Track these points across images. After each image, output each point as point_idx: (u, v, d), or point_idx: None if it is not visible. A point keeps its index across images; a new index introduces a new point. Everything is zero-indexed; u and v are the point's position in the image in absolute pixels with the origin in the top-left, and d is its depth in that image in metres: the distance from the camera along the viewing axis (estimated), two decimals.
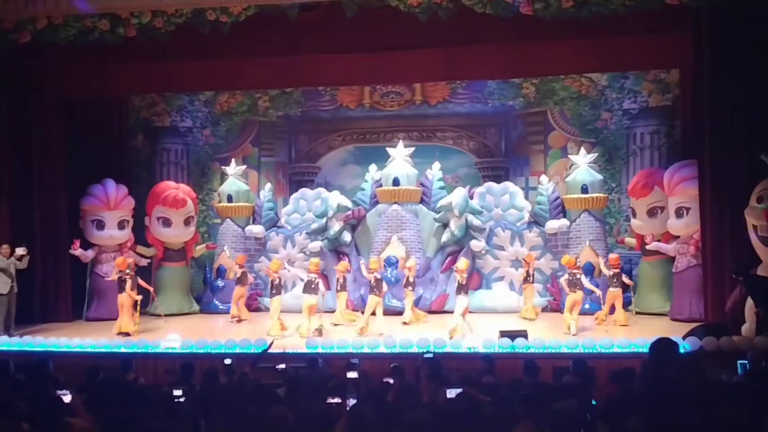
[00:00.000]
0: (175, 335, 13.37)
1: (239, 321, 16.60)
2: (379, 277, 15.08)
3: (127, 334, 14.63)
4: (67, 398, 7.63)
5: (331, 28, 14.79)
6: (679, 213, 15.74)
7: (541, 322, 15.53)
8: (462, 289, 14.24)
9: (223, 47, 14.98)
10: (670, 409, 6.40)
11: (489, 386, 8.35)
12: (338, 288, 15.78)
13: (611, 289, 15.01)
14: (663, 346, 7.81)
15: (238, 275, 16.76)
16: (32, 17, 14.48)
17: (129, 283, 15.05)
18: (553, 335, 13.52)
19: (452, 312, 14.89)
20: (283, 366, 10.43)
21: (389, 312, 15.94)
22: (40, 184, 16.56)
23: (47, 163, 16.59)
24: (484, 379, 9.04)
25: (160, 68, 16.27)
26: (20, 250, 14.90)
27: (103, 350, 13.15)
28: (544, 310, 16.81)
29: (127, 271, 15.15)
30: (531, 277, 15.91)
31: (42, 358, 10.99)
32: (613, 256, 15.61)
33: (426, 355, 10.39)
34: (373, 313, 14.66)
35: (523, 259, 16.31)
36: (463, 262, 14.83)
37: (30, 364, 10.49)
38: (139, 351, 12.92)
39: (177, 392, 8.00)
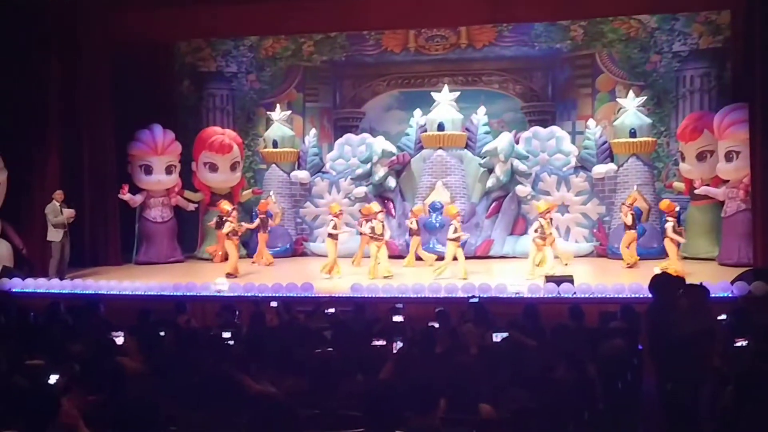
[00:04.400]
0: (223, 279, 13.53)
1: (268, 264, 16.75)
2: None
3: (233, 276, 14.80)
4: (119, 340, 7.77)
5: None
6: (728, 157, 15.50)
7: (588, 266, 15.47)
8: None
9: None
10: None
11: (534, 330, 8.36)
12: (410, 233, 16.07)
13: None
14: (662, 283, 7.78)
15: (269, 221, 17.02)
16: None
17: (230, 227, 15.33)
18: (599, 280, 13.44)
19: (497, 257, 14.95)
20: (332, 310, 10.53)
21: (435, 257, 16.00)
22: (89, 131, 16.73)
23: (95, 110, 16.74)
24: (529, 323, 9.04)
25: (205, 13, 16.25)
26: (69, 212, 15.06)
27: (153, 293, 13.31)
28: (590, 255, 16.74)
29: (230, 216, 15.50)
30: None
31: (93, 301, 11.20)
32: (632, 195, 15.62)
33: (471, 300, 10.42)
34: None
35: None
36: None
37: (81, 307, 10.68)
38: (189, 294, 13.07)
39: (226, 335, 8.11)
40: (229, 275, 14.69)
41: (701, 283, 8.11)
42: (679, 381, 6.55)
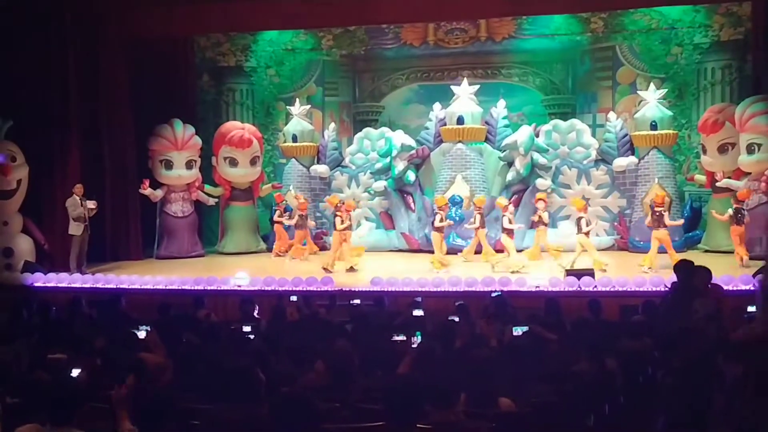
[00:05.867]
0: (243, 273, 13.56)
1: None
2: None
3: (329, 271, 14.63)
4: (141, 334, 7.81)
5: None
6: (750, 149, 15.41)
7: (609, 259, 15.38)
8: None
9: None
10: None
11: (555, 324, 8.34)
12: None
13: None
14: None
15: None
16: None
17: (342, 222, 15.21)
18: (621, 273, 13.38)
19: (517, 251, 14.95)
20: (356, 301, 10.57)
21: (453, 250, 15.99)
22: (109, 126, 16.79)
23: (115, 104, 16.80)
24: (550, 317, 9.02)
25: (225, 7, 16.26)
26: (90, 204, 15.13)
27: (174, 288, 13.37)
28: (610, 248, 16.67)
29: (340, 210, 15.39)
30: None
31: (114, 296, 11.27)
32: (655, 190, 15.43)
33: (494, 294, 10.40)
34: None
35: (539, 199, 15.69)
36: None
37: (103, 301, 10.75)
38: (209, 288, 13.13)
39: (246, 328, 8.14)
40: (327, 270, 14.60)
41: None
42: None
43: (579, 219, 14.63)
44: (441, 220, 14.93)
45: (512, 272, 13.85)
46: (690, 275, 7.95)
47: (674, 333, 6.84)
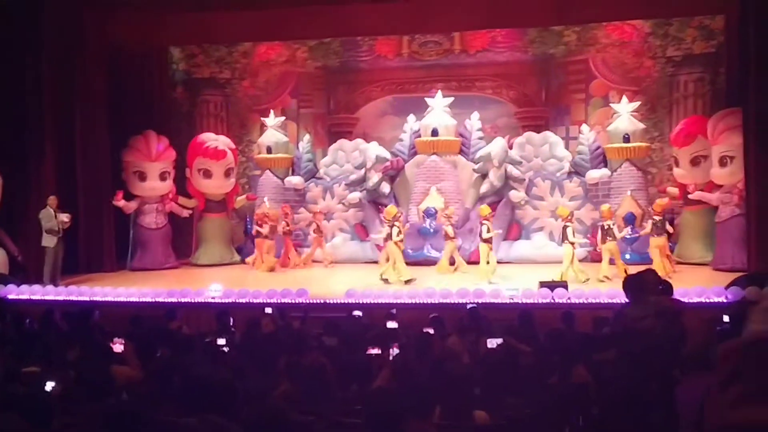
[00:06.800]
0: (217, 285, 13.51)
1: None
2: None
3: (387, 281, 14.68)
4: (118, 347, 7.76)
5: None
6: (722, 162, 15.54)
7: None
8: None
9: None
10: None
11: (529, 336, 8.38)
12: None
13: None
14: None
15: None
16: None
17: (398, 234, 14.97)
18: (593, 285, 13.48)
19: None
20: (357, 313, 10.59)
21: (427, 262, 16.05)
22: (83, 137, 16.70)
23: (89, 116, 16.72)
24: (523, 329, 9.05)
25: (200, 19, 16.27)
26: (64, 216, 15.04)
27: (147, 300, 13.31)
28: (583, 260, 16.75)
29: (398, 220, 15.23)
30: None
31: (88, 308, 11.19)
32: (658, 201, 15.48)
33: (469, 306, 10.43)
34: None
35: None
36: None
37: (76, 313, 10.67)
38: (183, 300, 13.07)
39: (221, 341, 8.11)
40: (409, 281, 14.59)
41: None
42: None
43: (564, 228, 14.70)
44: (488, 231, 14.78)
45: (490, 282, 13.93)
46: (639, 281, 7.96)
47: (633, 341, 6.90)
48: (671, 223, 16.80)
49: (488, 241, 14.77)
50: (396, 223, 14.97)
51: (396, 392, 5.32)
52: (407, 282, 14.39)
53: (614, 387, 6.04)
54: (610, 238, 14.61)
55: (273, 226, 16.83)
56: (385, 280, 14.68)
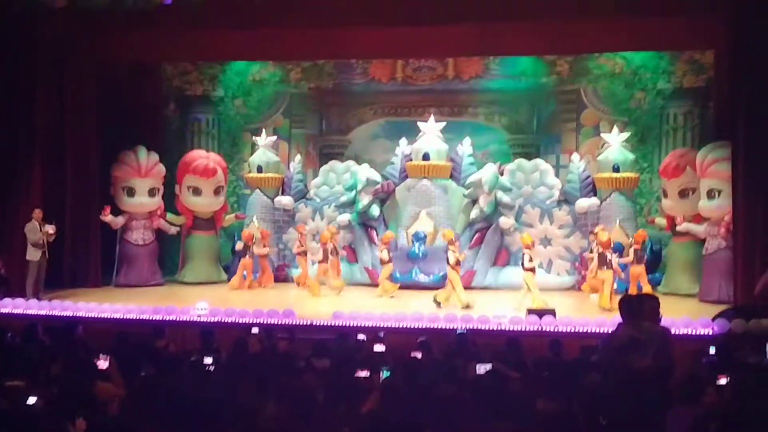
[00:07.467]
0: (203, 303, 13.43)
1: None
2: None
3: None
4: (103, 364, 7.69)
5: (366, 0, 14.75)
6: (710, 195, 15.59)
7: (571, 299, 15.49)
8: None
9: (257, 17, 14.99)
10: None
11: (517, 363, 8.36)
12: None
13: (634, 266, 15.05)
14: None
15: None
16: None
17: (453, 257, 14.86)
18: (582, 313, 13.47)
19: (478, 288, 14.98)
20: (362, 337, 10.52)
21: (416, 287, 16.05)
22: (73, 150, 16.62)
23: (80, 129, 16.65)
24: (512, 355, 9.04)
25: (194, 37, 16.27)
26: (50, 228, 14.99)
27: (132, 316, 13.23)
28: (571, 288, 16.78)
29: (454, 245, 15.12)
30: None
31: (71, 323, 11.12)
32: (639, 231, 15.55)
33: (458, 331, 10.42)
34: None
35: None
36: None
37: (59, 328, 10.60)
38: (169, 318, 12.99)
39: (207, 360, 8.06)
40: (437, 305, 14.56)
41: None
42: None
43: (523, 255, 14.71)
44: (530, 260, 14.59)
45: (464, 308, 13.91)
46: (636, 305, 7.93)
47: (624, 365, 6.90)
48: (658, 254, 16.96)
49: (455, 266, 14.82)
50: (451, 248, 14.90)
51: (381, 417, 5.28)
52: (465, 308, 14.20)
53: (603, 413, 6.04)
54: (608, 268, 14.62)
55: (247, 245, 16.96)
56: (438, 303, 14.58)
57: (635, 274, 15.14)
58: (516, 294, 14.71)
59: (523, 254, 14.71)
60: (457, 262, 14.87)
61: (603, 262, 14.62)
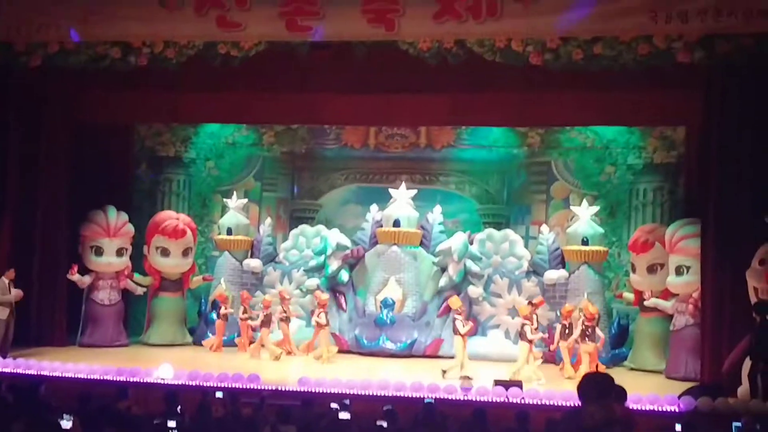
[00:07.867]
0: (167, 365, 13.28)
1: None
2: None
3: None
4: (67, 424, 7.58)
5: (340, 68, 14.94)
6: (679, 271, 15.68)
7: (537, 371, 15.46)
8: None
9: (232, 81, 15.13)
10: None
11: None
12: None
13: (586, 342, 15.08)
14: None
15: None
16: (44, 42, 14.67)
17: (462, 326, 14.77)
18: (548, 386, 13.44)
19: (447, 357, 14.92)
20: (335, 405, 10.35)
21: (383, 354, 15.97)
22: (43, 208, 16.47)
23: (51, 187, 16.51)
24: (476, 427, 8.99)
25: (168, 98, 16.36)
26: (16, 292, 14.93)
27: (96, 377, 13.06)
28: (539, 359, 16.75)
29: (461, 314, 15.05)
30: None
31: (34, 382, 10.95)
32: (592, 308, 15.42)
33: (427, 401, 10.35)
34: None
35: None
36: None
37: (22, 386, 10.43)
38: (132, 380, 12.83)
39: (171, 423, 7.95)
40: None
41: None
42: None
43: (523, 326, 14.71)
44: (532, 332, 14.69)
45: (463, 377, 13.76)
46: (598, 384, 7.83)
47: None
48: (626, 329, 17.02)
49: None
50: (458, 317, 14.87)
51: None
52: (464, 378, 13.95)
53: None
54: (590, 341, 14.71)
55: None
56: (444, 372, 14.46)
57: (584, 351, 15.08)
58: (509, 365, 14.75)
59: (523, 325, 14.72)
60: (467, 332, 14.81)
61: (586, 334, 14.68)
